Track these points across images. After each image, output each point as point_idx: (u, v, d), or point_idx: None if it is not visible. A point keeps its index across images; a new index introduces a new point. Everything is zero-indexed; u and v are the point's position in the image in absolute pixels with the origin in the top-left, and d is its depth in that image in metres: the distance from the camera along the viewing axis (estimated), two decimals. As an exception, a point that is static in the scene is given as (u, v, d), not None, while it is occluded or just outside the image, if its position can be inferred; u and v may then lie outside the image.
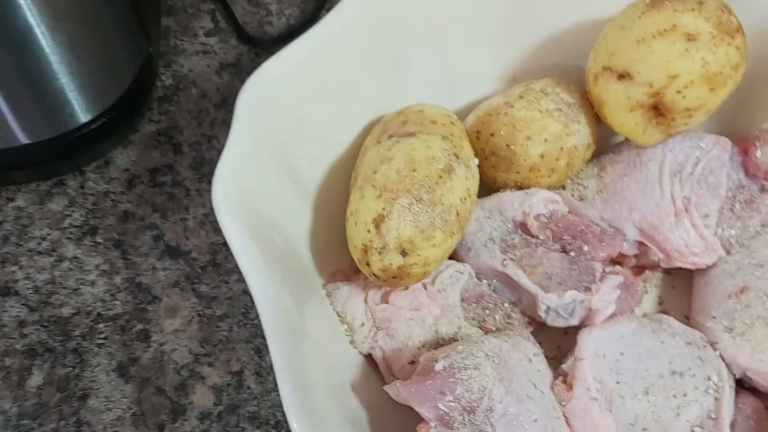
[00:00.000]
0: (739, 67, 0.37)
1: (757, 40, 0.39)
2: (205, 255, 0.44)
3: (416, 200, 0.33)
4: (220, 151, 0.47)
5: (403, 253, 0.33)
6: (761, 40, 0.39)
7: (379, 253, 0.33)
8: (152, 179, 0.46)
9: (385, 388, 0.32)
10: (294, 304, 0.33)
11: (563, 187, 0.41)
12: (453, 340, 0.35)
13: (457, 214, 0.34)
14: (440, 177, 0.34)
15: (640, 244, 0.39)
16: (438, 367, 0.31)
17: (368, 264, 0.34)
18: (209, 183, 0.46)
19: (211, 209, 0.45)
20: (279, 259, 0.34)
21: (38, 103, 0.42)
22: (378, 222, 0.33)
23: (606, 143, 0.42)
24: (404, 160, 0.35)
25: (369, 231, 0.33)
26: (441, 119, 0.38)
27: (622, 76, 0.37)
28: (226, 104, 0.50)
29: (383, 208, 0.33)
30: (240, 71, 0.51)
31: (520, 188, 0.40)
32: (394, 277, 0.34)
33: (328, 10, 0.54)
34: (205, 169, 0.47)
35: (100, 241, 0.44)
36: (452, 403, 0.30)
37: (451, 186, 0.34)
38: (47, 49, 0.40)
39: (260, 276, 0.31)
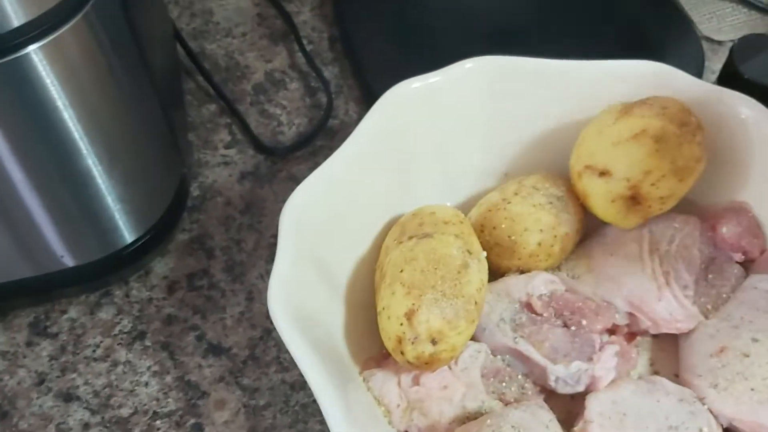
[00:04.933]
0: (701, 160, 0.43)
1: (716, 132, 0.45)
2: (245, 350, 0.49)
3: (441, 295, 0.39)
4: (248, 253, 0.53)
5: (434, 342, 0.38)
6: (719, 131, 0.46)
7: (412, 343, 0.39)
8: (190, 284, 0.51)
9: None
10: (341, 392, 0.38)
11: (559, 268, 0.47)
12: (479, 413, 0.40)
13: (476, 303, 0.40)
14: (459, 272, 0.40)
15: (630, 314, 0.45)
16: (473, 439, 0.36)
17: (402, 353, 0.39)
18: (242, 283, 0.52)
19: (246, 308, 0.51)
20: (324, 352, 0.39)
21: (91, 229, 0.47)
22: (409, 316, 0.39)
23: (592, 227, 0.48)
24: (426, 260, 0.40)
25: (402, 324, 0.39)
26: (452, 219, 0.44)
27: (603, 173, 0.44)
28: (249, 210, 0.55)
29: (413, 304, 0.39)
30: (259, 178, 0.57)
31: (522, 272, 0.46)
32: (426, 363, 0.39)
33: (333, 118, 0.61)
34: (236, 271, 0.52)
35: (149, 344, 0.49)
36: (487, 471, 0.35)
37: (468, 279, 0.40)
38: (102, 185, 0.45)
39: (316, 371, 0.36)
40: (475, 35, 0.64)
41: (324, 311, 0.42)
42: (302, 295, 0.39)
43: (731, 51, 0.51)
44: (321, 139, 0.60)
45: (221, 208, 0.55)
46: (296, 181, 0.58)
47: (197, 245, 0.53)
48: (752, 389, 0.40)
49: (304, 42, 0.67)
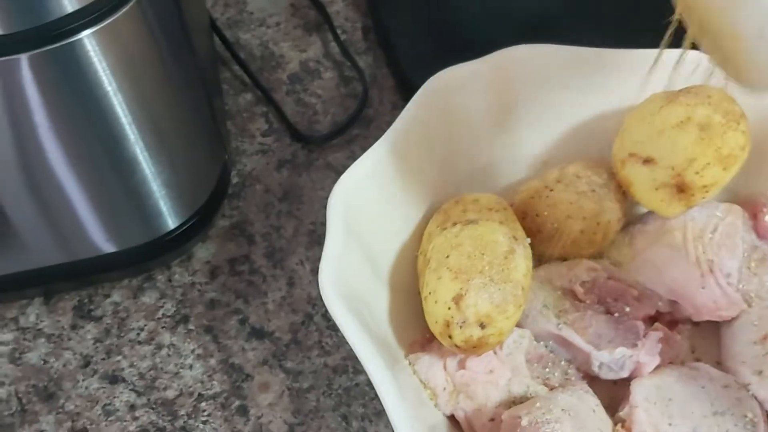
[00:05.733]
0: (745, 148, 0.44)
1: (758, 122, 0.45)
2: (287, 334, 0.49)
3: (489, 280, 0.39)
4: (288, 240, 0.54)
5: (482, 326, 0.39)
6: (761, 121, 0.46)
7: (461, 327, 0.39)
8: (232, 269, 0.52)
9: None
10: (392, 373, 0.39)
11: (601, 256, 0.47)
12: (524, 397, 0.41)
13: (522, 288, 0.40)
14: (505, 258, 0.40)
15: (673, 302, 0.45)
16: (524, 422, 0.36)
17: (450, 336, 0.39)
18: (282, 269, 0.52)
19: (287, 293, 0.51)
20: (372, 333, 0.39)
21: (136, 215, 0.48)
22: (457, 300, 0.39)
23: (634, 215, 0.49)
24: (472, 245, 0.41)
25: (449, 308, 0.39)
26: (495, 206, 0.44)
27: (647, 161, 0.44)
28: (287, 197, 0.56)
29: (461, 288, 0.39)
30: (297, 166, 0.58)
31: (564, 260, 0.47)
32: (474, 347, 0.39)
33: (368, 107, 0.61)
34: (276, 257, 0.53)
35: (192, 328, 0.50)
36: (538, 454, 0.36)
37: (515, 265, 0.40)
38: (148, 171, 0.45)
39: (367, 348, 0.37)
40: (509, 23, 0.64)
41: (369, 294, 0.42)
42: (351, 276, 0.40)
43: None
44: (356, 128, 0.60)
45: (260, 195, 0.56)
46: (333, 169, 0.59)
47: (238, 231, 0.54)
48: (796, 376, 0.41)
49: (338, 31, 0.67)
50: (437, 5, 0.67)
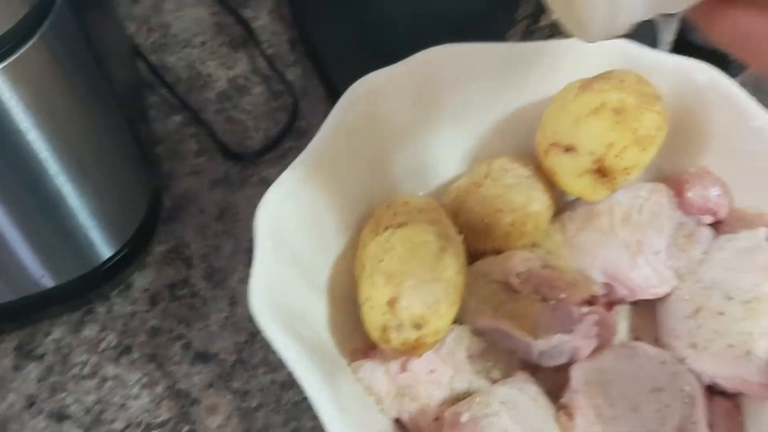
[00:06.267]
0: (662, 128, 0.44)
1: (677, 101, 0.46)
2: (232, 354, 0.49)
3: (420, 281, 0.40)
4: (227, 259, 0.53)
5: (417, 327, 0.39)
6: (680, 100, 0.47)
7: (397, 330, 0.39)
8: (172, 294, 0.52)
9: (420, 444, 0.38)
10: (330, 385, 0.39)
11: (535, 245, 0.48)
12: (468, 393, 0.41)
13: (455, 286, 0.41)
14: (436, 258, 0.41)
15: (607, 284, 0.46)
16: (464, 419, 0.37)
17: (388, 340, 0.40)
18: (223, 289, 0.52)
19: (230, 313, 0.51)
20: (310, 347, 0.40)
21: (68, 248, 0.47)
22: (392, 303, 0.39)
23: (564, 202, 0.49)
24: (403, 248, 0.41)
25: (385, 313, 0.39)
26: (426, 207, 0.45)
27: (568, 149, 0.45)
28: (223, 216, 0.56)
29: (394, 292, 0.39)
30: (231, 185, 0.58)
31: (498, 253, 0.47)
32: (412, 348, 0.40)
33: (300, 119, 0.62)
34: (216, 278, 0.53)
35: (136, 357, 0.49)
36: (481, 448, 0.36)
37: (446, 264, 0.41)
38: (75, 203, 0.45)
39: (302, 365, 0.37)
40: (435, 26, 0.64)
41: (307, 307, 0.42)
42: (284, 293, 0.40)
43: (682, 21, 0.52)
44: (289, 141, 0.60)
45: (195, 216, 0.55)
46: (268, 184, 0.58)
47: (175, 255, 0.53)
48: (729, 345, 0.41)
49: (265, 46, 0.67)
50: (362, 13, 0.67)
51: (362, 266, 0.43)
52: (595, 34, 0.24)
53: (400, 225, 0.43)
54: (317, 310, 0.43)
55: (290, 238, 0.42)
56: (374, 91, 0.47)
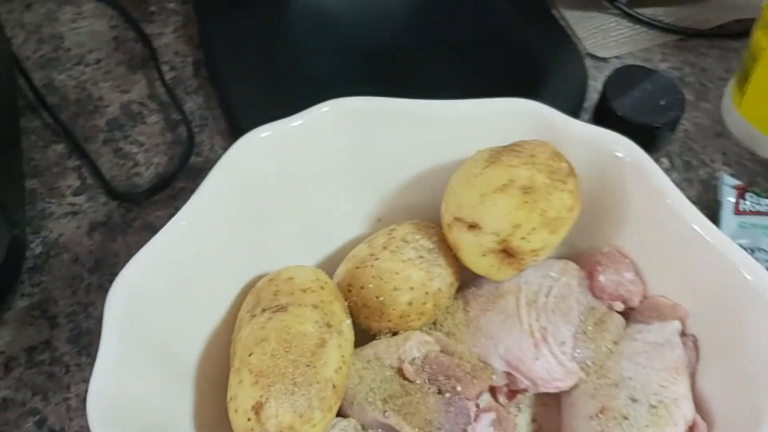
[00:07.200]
0: (574, 208, 0.41)
1: (593, 174, 0.43)
2: (93, 434, 0.44)
3: (292, 383, 0.35)
4: (97, 320, 0.48)
5: (285, 438, 0.34)
6: (597, 173, 0.43)
7: (262, 440, 0.35)
8: (29, 359, 0.46)
9: None
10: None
11: (434, 324, 0.44)
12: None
13: (334, 386, 0.36)
14: (313, 354, 0.36)
15: (508, 374, 0.42)
16: None
17: (252, 450, 0.35)
18: (89, 356, 0.46)
19: (95, 383, 0.45)
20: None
21: None
22: (257, 409, 0.35)
23: (468, 276, 0.45)
24: (277, 340, 0.36)
25: (249, 419, 0.35)
26: (311, 285, 0.40)
27: (472, 226, 0.40)
28: (99, 267, 0.50)
29: (261, 395, 0.35)
30: (111, 229, 0.52)
31: (395, 333, 0.43)
32: (280, 460, 0.35)
33: (197, 155, 0.56)
34: (83, 341, 0.47)
35: (-19, 434, 0.43)
36: None
37: (325, 360, 0.36)
38: None
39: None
40: (350, 60, 0.60)
41: (166, 405, 0.37)
42: (133, 393, 0.35)
43: (605, 86, 0.48)
44: (182, 180, 0.55)
45: (67, 266, 0.50)
46: (153, 230, 0.53)
47: (38, 312, 0.48)
48: (632, 455, 0.38)
49: (167, 68, 0.61)
50: (273, 39, 0.62)
51: (233, 354, 0.38)
52: None
53: (279, 309, 0.38)
54: (182, 404, 0.38)
55: (150, 323, 0.37)
56: (259, 147, 0.42)
